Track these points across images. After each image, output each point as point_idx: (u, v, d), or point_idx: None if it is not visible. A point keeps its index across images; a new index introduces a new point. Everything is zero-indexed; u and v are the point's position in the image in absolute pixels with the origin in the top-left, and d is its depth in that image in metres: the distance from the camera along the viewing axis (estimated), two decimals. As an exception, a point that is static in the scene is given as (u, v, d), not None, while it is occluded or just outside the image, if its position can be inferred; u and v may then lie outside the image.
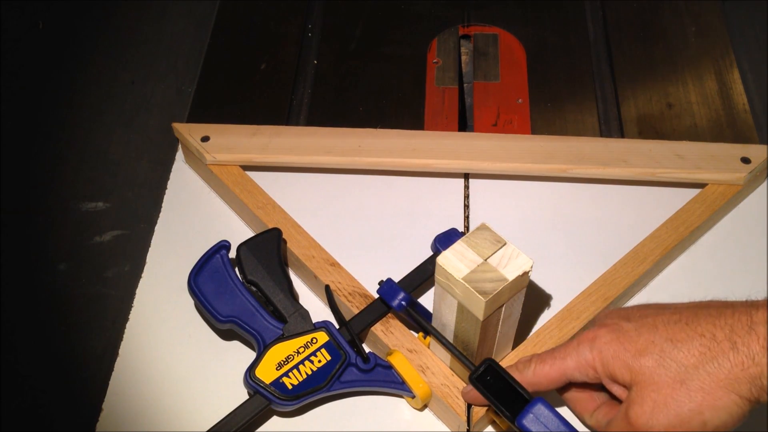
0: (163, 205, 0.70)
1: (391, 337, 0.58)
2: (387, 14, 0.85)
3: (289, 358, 0.56)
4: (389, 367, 0.57)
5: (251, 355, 0.57)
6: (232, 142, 0.70)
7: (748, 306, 0.48)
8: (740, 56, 0.80)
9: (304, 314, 0.58)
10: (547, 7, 0.85)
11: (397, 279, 0.59)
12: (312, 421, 0.57)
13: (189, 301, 0.61)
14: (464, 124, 0.78)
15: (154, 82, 0.82)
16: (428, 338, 0.58)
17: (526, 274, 0.49)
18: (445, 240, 0.61)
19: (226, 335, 0.61)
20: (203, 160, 0.69)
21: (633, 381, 0.48)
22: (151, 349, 0.61)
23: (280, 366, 0.55)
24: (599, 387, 0.52)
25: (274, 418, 0.58)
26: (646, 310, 0.51)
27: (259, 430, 0.57)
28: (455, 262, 0.49)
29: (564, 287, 0.63)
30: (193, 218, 0.69)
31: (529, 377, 0.52)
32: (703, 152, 0.68)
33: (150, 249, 0.67)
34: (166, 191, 0.71)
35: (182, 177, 0.72)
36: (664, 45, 0.81)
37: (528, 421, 0.47)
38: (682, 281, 0.64)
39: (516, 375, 0.52)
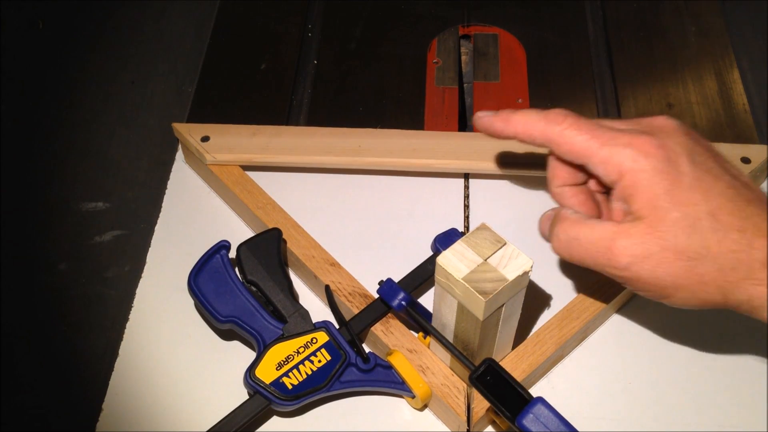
0: (163, 205, 0.70)
1: (391, 337, 0.58)
2: (387, 14, 0.85)
3: (289, 358, 0.56)
4: (389, 367, 0.57)
5: (251, 355, 0.57)
6: (232, 142, 0.70)
7: None
8: (740, 56, 0.80)
9: (304, 314, 0.58)
10: (547, 7, 0.85)
11: (397, 279, 0.59)
12: (312, 421, 0.57)
13: (189, 301, 0.61)
14: (464, 124, 0.78)
15: (154, 82, 0.82)
16: (428, 338, 0.58)
17: (526, 274, 0.49)
18: (445, 240, 0.61)
19: (226, 335, 0.61)
20: (203, 160, 0.69)
21: (647, 218, 0.44)
22: (151, 349, 0.61)
23: (280, 366, 0.55)
24: (589, 177, 0.49)
25: (274, 418, 0.58)
26: (710, 161, 0.46)
27: (259, 430, 0.57)
28: (455, 262, 0.49)
29: (564, 287, 0.63)
30: (193, 218, 0.69)
31: (553, 135, 0.48)
32: (703, 152, 0.68)
33: (150, 249, 0.67)
34: (166, 191, 0.71)
35: (182, 177, 0.72)
36: (664, 45, 0.81)
37: (528, 421, 0.47)
38: (682, 281, 0.64)
39: (540, 123, 0.48)
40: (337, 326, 0.58)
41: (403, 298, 0.57)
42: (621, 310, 0.63)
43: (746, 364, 0.59)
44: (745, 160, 0.67)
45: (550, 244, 0.50)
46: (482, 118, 0.52)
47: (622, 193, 0.46)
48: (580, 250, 0.48)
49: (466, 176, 0.71)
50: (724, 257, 0.44)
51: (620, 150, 0.46)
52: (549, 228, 0.51)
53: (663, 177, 0.45)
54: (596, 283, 0.60)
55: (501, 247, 0.49)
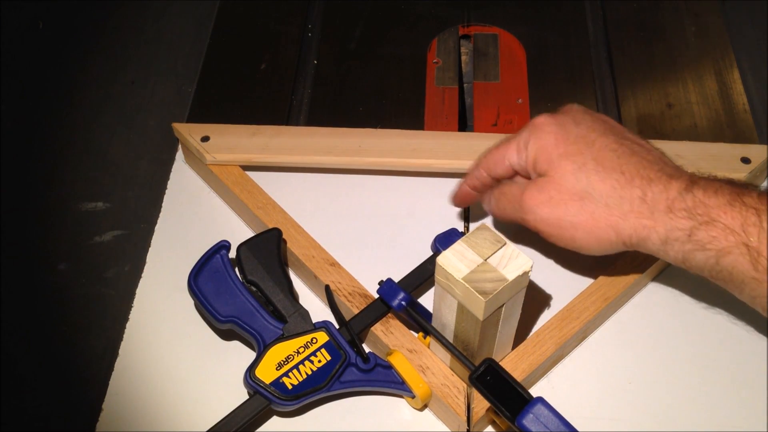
0: (163, 205, 0.70)
1: (391, 337, 0.58)
2: (387, 14, 0.85)
3: (289, 358, 0.56)
4: (389, 367, 0.57)
5: (251, 355, 0.57)
6: (232, 142, 0.70)
7: (686, 176, 0.51)
8: (740, 56, 0.80)
9: (304, 314, 0.58)
10: (547, 7, 0.85)
11: (397, 279, 0.59)
12: (312, 421, 0.57)
13: (189, 301, 0.61)
14: (464, 124, 0.78)
15: (154, 82, 0.82)
16: (428, 338, 0.58)
17: (526, 274, 0.49)
18: (445, 240, 0.61)
19: (226, 335, 0.61)
20: (203, 160, 0.69)
21: (546, 172, 0.54)
22: (151, 349, 0.61)
23: (280, 366, 0.55)
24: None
25: (274, 418, 0.58)
26: (597, 124, 0.55)
27: (259, 430, 0.57)
28: (455, 262, 0.49)
29: (564, 287, 0.63)
30: (193, 218, 0.69)
31: (480, 172, 0.59)
32: (703, 152, 0.68)
33: (150, 249, 0.67)
34: (166, 191, 0.71)
35: (182, 177, 0.72)
36: (664, 45, 0.81)
37: (528, 421, 0.47)
38: (682, 280, 0.64)
39: (472, 173, 0.60)
40: (337, 326, 0.58)
41: (403, 298, 0.57)
42: (621, 310, 0.63)
43: (746, 364, 0.59)
44: (745, 160, 0.67)
45: (484, 207, 0.61)
46: (451, 200, 0.66)
47: (535, 166, 0.55)
48: (504, 202, 0.57)
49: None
50: (608, 195, 0.51)
51: (524, 136, 0.56)
52: (486, 196, 0.61)
53: (556, 139, 0.54)
54: (596, 283, 0.61)
55: (501, 247, 0.49)
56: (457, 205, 0.66)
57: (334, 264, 0.62)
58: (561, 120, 0.55)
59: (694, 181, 0.50)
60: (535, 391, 0.53)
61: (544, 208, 0.53)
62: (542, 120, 0.55)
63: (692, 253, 0.49)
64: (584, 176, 0.52)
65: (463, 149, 0.69)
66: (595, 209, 0.51)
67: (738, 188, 0.49)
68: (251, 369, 0.55)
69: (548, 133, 0.54)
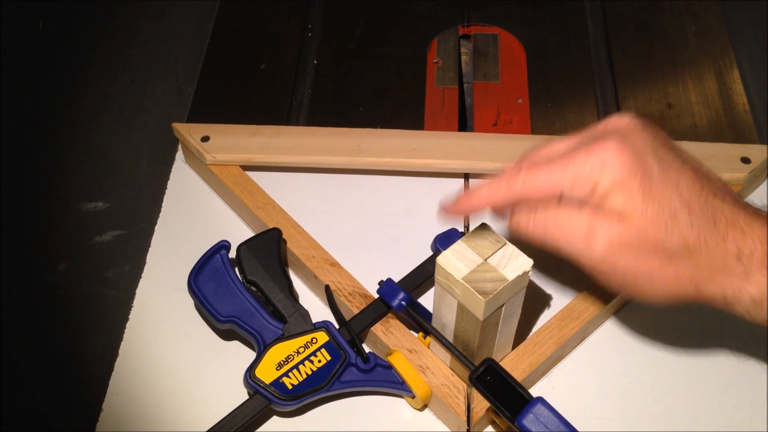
0: (163, 205, 0.70)
1: (391, 337, 0.58)
2: (387, 14, 0.85)
3: (289, 358, 0.56)
4: (389, 367, 0.57)
5: (251, 355, 0.57)
6: (232, 142, 0.70)
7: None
8: (740, 56, 0.80)
9: (304, 314, 0.58)
10: (547, 7, 0.85)
11: (397, 279, 0.59)
12: (312, 421, 0.57)
13: (189, 301, 0.61)
14: (464, 124, 0.78)
15: (154, 82, 0.82)
16: (428, 338, 0.58)
17: (526, 274, 0.49)
18: (445, 240, 0.61)
19: (226, 335, 0.61)
20: (203, 160, 0.69)
21: (627, 214, 0.44)
22: (151, 349, 0.61)
23: (280, 366, 0.55)
24: None
25: (274, 418, 0.58)
26: (671, 153, 0.46)
27: (259, 430, 0.57)
28: (455, 262, 0.49)
29: (564, 287, 0.63)
30: (193, 218, 0.69)
31: (518, 192, 0.47)
32: (703, 152, 0.68)
33: (150, 249, 0.67)
34: (166, 191, 0.71)
35: (182, 177, 0.72)
36: (664, 45, 0.81)
37: (528, 421, 0.47)
38: (682, 281, 0.64)
39: (501, 189, 0.47)
40: (337, 326, 0.58)
41: (403, 298, 0.57)
42: (621, 311, 0.63)
43: (746, 364, 0.59)
44: (745, 160, 0.67)
45: (515, 224, 0.49)
46: (445, 207, 0.51)
47: (598, 200, 0.45)
48: (556, 231, 0.47)
49: (466, 176, 0.71)
50: (701, 251, 0.44)
51: (582, 163, 0.45)
52: (517, 208, 0.49)
53: (634, 174, 0.44)
54: (596, 283, 0.60)
55: (501, 247, 0.49)
56: (456, 215, 0.52)
57: (334, 264, 0.62)
58: (635, 150, 0.45)
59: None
60: (535, 391, 0.53)
61: (620, 257, 0.45)
62: (612, 145, 0.45)
63: None
64: (677, 231, 0.44)
65: (463, 149, 0.69)
66: (681, 266, 0.44)
67: None
68: (251, 369, 0.55)
69: (624, 165, 0.44)
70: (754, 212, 0.45)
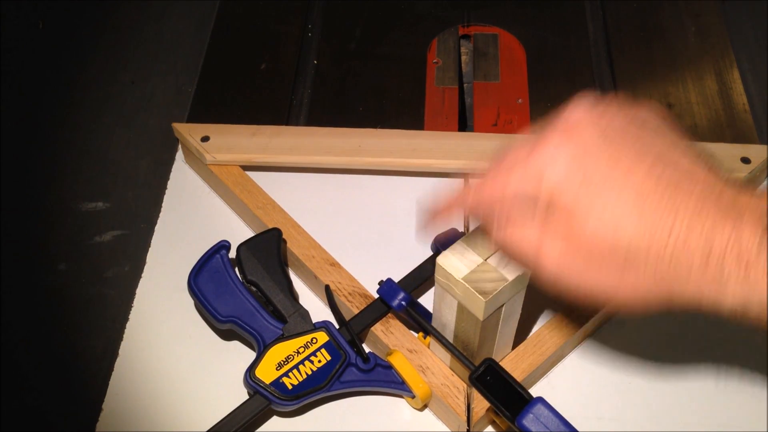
0: (163, 205, 0.70)
1: (391, 337, 0.58)
2: (387, 14, 0.85)
3: (289, 358, 0.56)
4: (389, 367, 0.57)
5: (251, 355, 0.57)
6: (232, 142, 0.70)
7: (756, 210, 0.36)
8: (740, 56, 0.80)
9: (304, 314, 0.58)
10: (547, 7, 0.85)
11: (397, 279, 0.59)
12: (312, 421, 0.57)
13: (189, 301, 0.61)
14: (464, 124, 0.78)
15: (154, 82, 0.82)
16: (428, 338, 0.58)
17: (526, 274, 0.49)
18: (445, 240, 0.61)
19: (226, 335, 0.61)
20: (203, 160, 0.69)
21: (572, 220, 0.39)
22: (151, 349, 0.61)
23: (280, 366, 0.55)
24: None
25: (274, 418, 0.58)
26: (628, 142, 0.39)
27: (259, 430, 0.57)
28: (455, 262, 0.49)
29: (564, 287, 0.63)
30: (193, 218, 0.69)
31: (468, 203, 0.44)
32: (703, 152, 0.68)
33: (150, 249, 0.67)
34: (166, 191, 0.71)
35: (182, 177, 0.72)
36: (664, 45, 0.81)
37: (528, 421, 0.47)
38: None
39: (458, 201, 0.45)
40: (337, 326, 0.58)
41: (403, 298, 0.57)
42: (621, 311, 0.63)
43: (746, 364, 0.59)
44: (745, 160, 0.67)
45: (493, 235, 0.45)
46: (420, 224, 0.48)
47: (546, 203, 0.40)
48: (513, 247, 0.43)
49: (467, 176, 0.71)
50: (658, 253, 0.37)
51: (523, 167, 0.41)
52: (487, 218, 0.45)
53: (576, 171, 0.39)
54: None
55: (501, 247, 0.49)
56: (430, 226, 0.50)
57: (334, 264, 0.62)
58: (579, 139, 0.40)
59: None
60: (535, 391, 0.53)
61: (573, 272, 0.40)
62: (553, 139, 0.40)
63: (764, 314, 0.36)
64: (626, 232, 0.37)
65: (463, 149, 0.69)
66: (641, 274, 0.38)
67: None
68: (251, 369, 0.55)
69: (565, 159, 0.39)
70: (738, 195, 0.37)
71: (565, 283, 0.40)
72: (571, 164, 0.39)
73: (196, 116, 0.75)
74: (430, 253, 0.62)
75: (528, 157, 0.41)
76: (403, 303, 0.57)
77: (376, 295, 0.59)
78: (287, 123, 0.75)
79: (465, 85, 0.81)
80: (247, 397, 0.56)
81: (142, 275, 0.65)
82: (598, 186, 0.38)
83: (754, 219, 0.36)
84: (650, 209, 0.37)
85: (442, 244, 0.60)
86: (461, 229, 0.67)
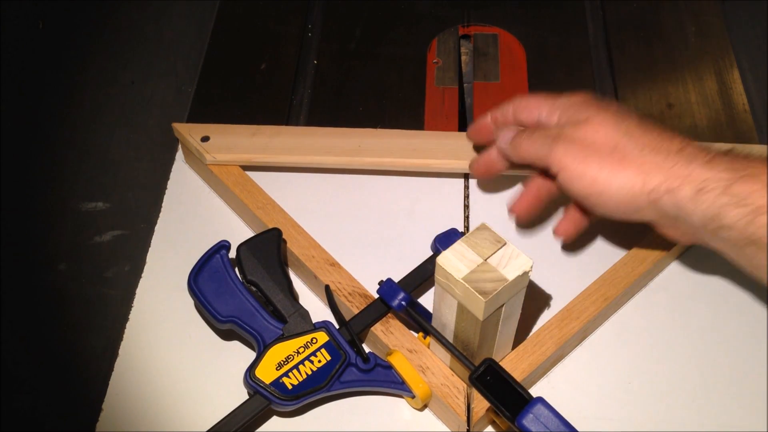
0: (163, 205, 0.70)
1: (391, 337, 0.58)
2: (387, 14, 0.85)
3: (289, 358, 0.56)
4: (389, 367, 0.57)
5: (251, 355, 0.57)
6: (232, 142, 0.70)
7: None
8: (740, 56, 0.80)
9: (304, 314, 0.58)
10: (547, 7, 0.85)
11: (397, 279, 0.59)
12: (312, 421, 0.57)
13: (189, 301, 0.61)
14: (464, 124, 0.78)
15: (154, 82, 0.82)
16: (428, 338, 0.58)
17: (526, 274, 0.49)
18: (445, 240, 0.61)
19: (226, 335, 0.61)
20: (203, 160, 0.69)
21: (586, 120, 0.54)
22: (151, 349, 0.61)
23: (280, 366, 0.55)
24: None
25: (274, 418, 0.58)
26: (643, 135, 0.52)
27: (259, 430, 0.57)
28: (455, 262, 0.49)
29: (564, 287, 0.63)
30: (193, 218, 0.69)
31: (514, 101, 0.59)
32: (703, 152, 0.68)
33: (150, 249, 0.67)
34: (166, 191, 0.71)
35: (182, 177, 0.72)
36: (664, 45, 0.81)
37: (528, 421, 0.47)
38: (683, 280, 0.64)
39: (508, 102, 0.59)
40: (337, 326, 0.58)
41: (403, 298, 0.57)
42: (621, 310, 0.63)
43: (746, 364, 0.59)
44: (745, 160, 0.67)
45: (500, 143, 0.59)
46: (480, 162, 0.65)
47: (567, 114, 0.57)
48: (530, 141, 0.56)
49: (466, 176, 0.71)
50: (644, 143, 0.51)
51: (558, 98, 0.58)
52: (507, 133, 0.59)
53: (595, 101, 0.56)
54: (596, 283, 0.61)
55: (501, 247, 0.49)
56: (472, 137, 0.65)
57: (334, 264, 0.62)
58: (599, 100, 0.56)
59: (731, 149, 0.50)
60: (535, 391, 0.53)
61: (577, 160, 0.52)
62: (583, 94, 0.57)
63: (726, 208, 0.46)
64: (624, 125, 0.51)
65: (463, 149, 0.69)
66: (626, 154, 0.50)
67: None
68: (251, 369, 0.55)
69: (590, 97, 0.56)
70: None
71: (566, 171, 0.52)
72: (593, 98, 0.56)
73: (196, 116, 0.75)
74: (430, 253, 0.62)
75: (559, 103, 0.58)
76: (403, 303, 0.57)
77: (376, 295, 0.59)
78: (287, 123, 0.75)
79: (465, 85, 0.81)
80: (247, 397, 0.56)
81: (142, 275, 0.65)
82: (609, 110, 0.54)
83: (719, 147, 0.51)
84: (648, 126, 0.52)
85: (442, 244, 0.60)
86: (461, 229, 0.67)
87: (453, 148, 0.69)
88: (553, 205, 0.67)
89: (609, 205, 0.52)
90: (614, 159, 0.50)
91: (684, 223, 0.50)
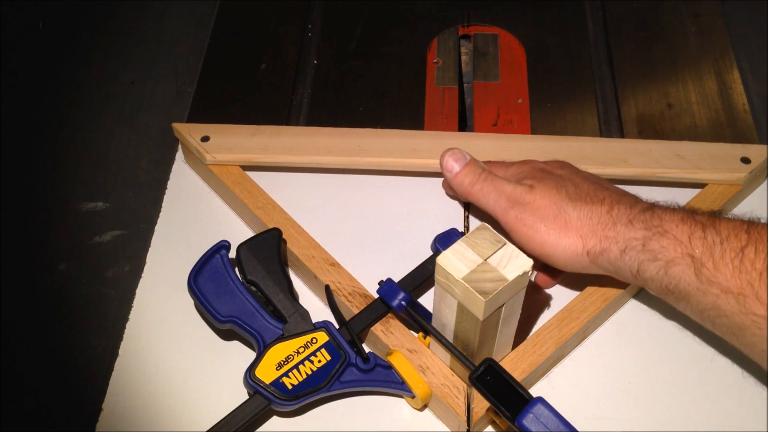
0: (163, 205, 0.70)
1: (391, 337, 0.58)
2: (387, 14, 0.85)
3: (289, 358, 0.56)
4: (389, 367, 0.57)
5: (251, 355, 0.57)
6: (232, 142, 0.70)
7: (652, 203, 0.56)
8: (740, 56, 0.80)
9: (304, 314, 0.58)
10: (547, 7, 0.85)
11: (397, 279, 0.59)
12: (312, 421, 0.57)
13: (189, 301, 0.61)
14: (464, 124, 0.78)
15: (154, 82, 0.82)
16: (428, 338, 0.58)
17: (526, 274, 0.49)
18: (445, 240, 0.61)
19: (226, 335, 0.61)
20: (203, 160, 0.69)
21: (531, 188, 0.59)
22: (151, 349, 0.61)
23: (280, 366, 0.55)
24: None
25: (274, 418, 0.58)
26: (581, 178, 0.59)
27: (259, 430, 0.57)
28: (455, 262, 0.49)
29: (564, 287, 0.63)
30: (193, 218, 0.69)
31: (474, 190, 0.61)
32: (703, 152, 0.68)
33: (150, 249, 0.67)
34: (166, 191, 0.71)
35: (182, 177, 0.72)
36: (664, 45, 0.81)
37: (528, 421, 0.47)
38: (682, 281, 0.64)
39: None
40: (337, 326, 0.58)
41: (403, 298, 0.57)
42: (621, 310, 0.63)
43: (746, 364, 0.59)
44: (745, 160, 0.67)
45: (459, 180, 0.62)
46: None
47: (518, 178, 0.61)
48: (488, 192, 0.60)
49: (466, 176, 0.71)
50: (580, 211, 0.55)
51: (502, 197, 0.60)
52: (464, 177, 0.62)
53: (541, 170, 0.61)
54: (596, 284, 0.61)
55: (501, 247, 0.49)
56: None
57: (334, 264, 0.62)
58: (549, 168, 0.61)
59: (657, 204, 0.55)
60: (535, 391, 0.53)
61: (526, 219, 0.57)
62: (536, 163, 0.62)
63: (645, 264, 0.52)
64: (564, 191, 0.57)
65: (463, 149, 0.69)
66: (567, 220, 0.55)
67: (694, 210, 0.53)
68: (251, 369, 0.55)
69: (538, 167, 0.61)
70: (643, 200, 0.57)
71: (516, 226, 0.57)
72: (541, 169, 0.61)
73: (196, 116, 0.75)
74: (430, 253, 0.62)
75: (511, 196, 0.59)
76: (403, 303, 0.57)
77: (376, 295, 0.59)
78: (287, 123, 0.75)
79: (465, 85, 0.81)
80: (247, 397, 0.56)
81: (142, 275, 0.65)
82: (552, 180, 0.58)
83: (648, 203, 0.56)
84: (583, 192, 0.57)
85: (442, 244, 0.60)
86: (461, 229, 0.67)
87: (453, 148, 0.69)
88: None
89: (559, 263, 0.56)
90: (558, 224, 0.55)
91: (622, 276, 0.55)
